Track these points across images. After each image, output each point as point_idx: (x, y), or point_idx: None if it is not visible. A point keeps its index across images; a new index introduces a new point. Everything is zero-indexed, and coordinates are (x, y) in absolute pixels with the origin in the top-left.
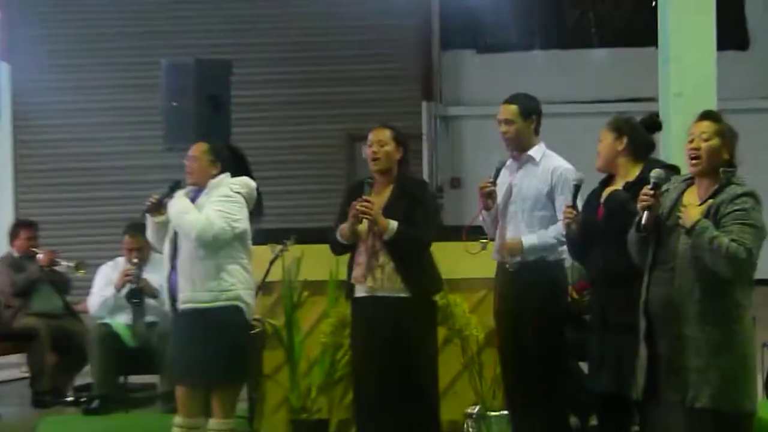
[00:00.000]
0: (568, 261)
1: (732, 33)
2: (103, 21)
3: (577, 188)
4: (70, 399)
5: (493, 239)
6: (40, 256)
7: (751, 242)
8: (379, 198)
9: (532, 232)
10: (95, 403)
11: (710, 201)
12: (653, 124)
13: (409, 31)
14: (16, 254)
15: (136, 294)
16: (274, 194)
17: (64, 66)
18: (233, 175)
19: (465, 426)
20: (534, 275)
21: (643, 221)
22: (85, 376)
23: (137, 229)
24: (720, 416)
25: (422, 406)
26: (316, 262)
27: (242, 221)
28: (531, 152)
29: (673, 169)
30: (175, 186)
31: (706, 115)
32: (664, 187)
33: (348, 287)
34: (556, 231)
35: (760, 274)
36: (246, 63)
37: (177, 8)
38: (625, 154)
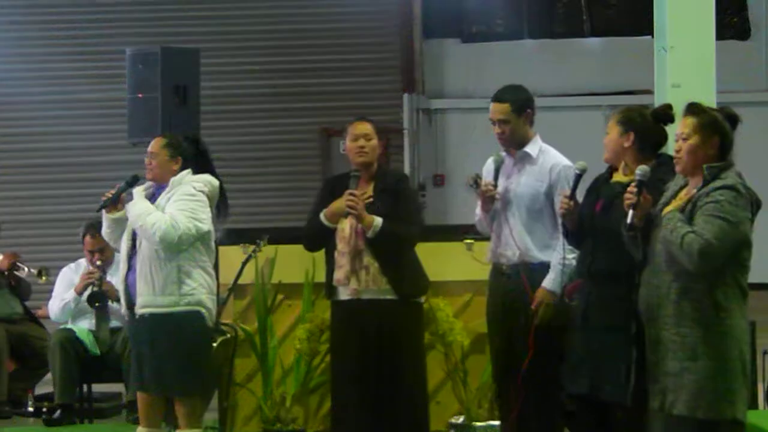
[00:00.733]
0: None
1: (732, 21)
2: (66, 8)
3: (578, 177)
4: (30, 409)
5: (488, 238)
6: (0, 258)
7: (712, 234)
8: (360, 196)
9: (530, 233)
10: (57, 414)
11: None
12: (665, 116)
13: (389, 18)
14: None
15: (99, 297)
16: (246, 192)
17: (22, 56)
18: (195, 171)
19: None
20: (529, 278)
21: (629, 220)
22: (46, 385)
23: (99, 229)
24: (697, 424)
25: (411, 415)
26: (291, 264)
27: (206, 222)
28: (527, 149)
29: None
30: (133, 181)
31: (688, 109)
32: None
33: (328, 289)
34: (559, 257)
35: (760, 278)
36: (215, 52)
37: None
38: (631, 151)
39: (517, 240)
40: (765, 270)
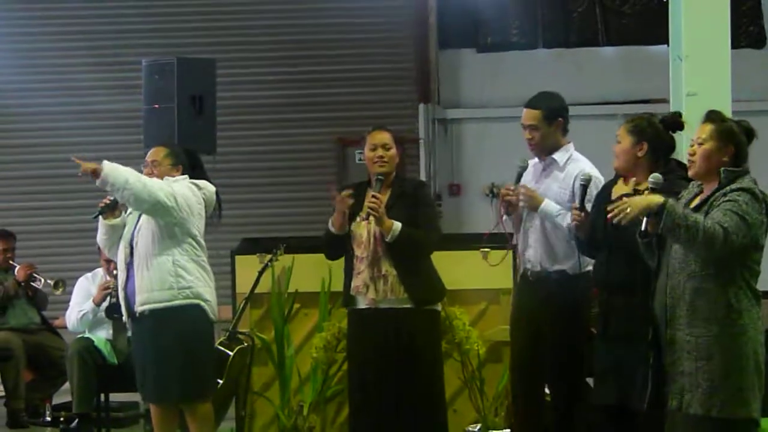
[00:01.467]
0: None
1: (747, 30)
2: (82, 19)
3: (584, 188)
4: (48, 419)
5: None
6: (17, 268)
7: (730, 224)
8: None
9: (551, 240)
10: (74, 423)
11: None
12: (675, 123)
13: (405, 28)
14: None
15: (118, 309)
16: (261, 202)
17: (39, 67)
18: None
19: None
20: (556, 286)
21: (643, 227)
22: (63, 394)
23: None
24: (712, 423)
25: (429, 423)
26: (308, 273)
27: (179, 197)
28: (555, 155)
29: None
30: None
31: (707, 117)
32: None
33: (346, 298)
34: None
35: None
36: (231, 63)
37: (159, 4)
38: (645, 160)
39: (539, 247)
40: None
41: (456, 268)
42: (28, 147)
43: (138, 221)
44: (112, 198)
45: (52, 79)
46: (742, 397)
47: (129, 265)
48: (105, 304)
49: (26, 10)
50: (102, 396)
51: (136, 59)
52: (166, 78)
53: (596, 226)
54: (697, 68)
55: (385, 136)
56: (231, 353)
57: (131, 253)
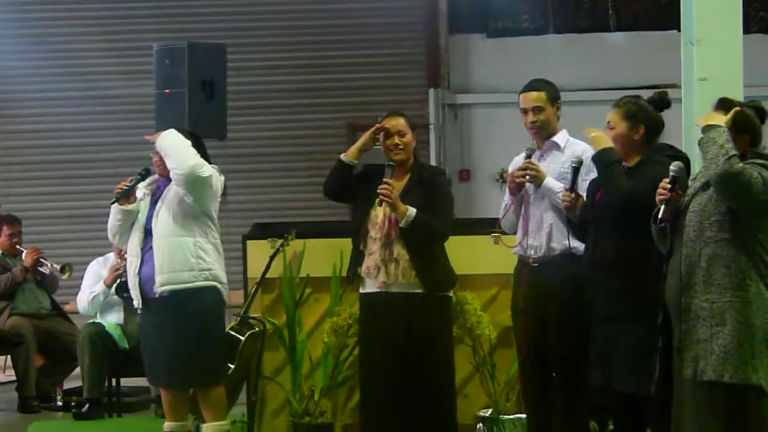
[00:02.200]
0: None
1: (758, 15)
2: (93, 4)
3: (575, 170)
4: (59, 404)
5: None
6: (24, 253)
7: (759, 173)
8: (395, 186)
9: (554, 221)
10: (85, 408)
11: None
12: (663, 102)
13: (415, 13)
14: None
15: (127, 287)
16: (272, 187)
17: (50, 52)
18: None
19: (477, 430)
20: (558, 270)
21: (660, 214)
22: (74, 379)
23: None
24: (725, 388)
25: (439, 408)
26: (319, 258)
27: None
28: (556, 138)
29: (678, 154)
30: (146, 173)
31: (719, 104)
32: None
33: (350, 276)
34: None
35: None
36: (242, 48)
37: None
38: (640, 142)
39: (543, 229)
40: None
41: (467, 253)
42: (36, 132)
43: (155, 206)
44: (128, 184)
45: (64, 65)
46: (752, 364)
47: (143, 251)
48: (116, 284)
49: None
50: (113, 381)
51: (147, 44)
52: (177, 63)
53: (585, 206)
54: (709, 53)
55: (400, 123)
56: (242, 338)
57: (145, 237)
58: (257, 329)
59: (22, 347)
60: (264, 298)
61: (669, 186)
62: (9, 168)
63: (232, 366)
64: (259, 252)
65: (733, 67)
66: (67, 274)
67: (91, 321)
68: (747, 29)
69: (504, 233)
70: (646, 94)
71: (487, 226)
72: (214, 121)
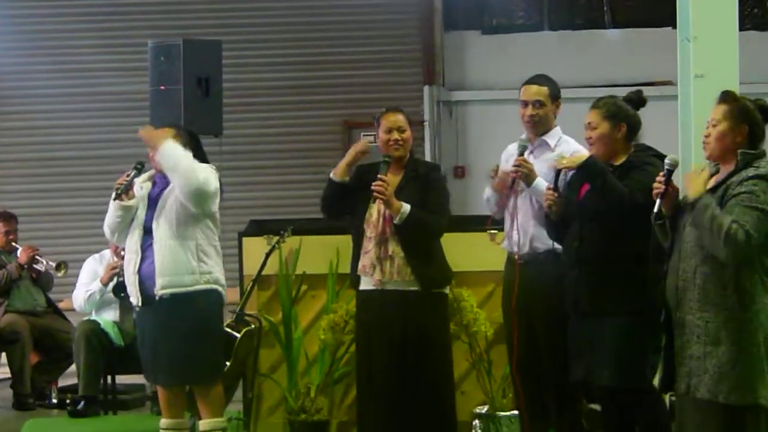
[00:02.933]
0: None
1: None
2: (87, 0)
3: (558, 171)
4: (54, 401)
5: (498, 227)
6: (19, 251)
7: (751, 225)
8: (391, 182)
9: (540, 220)
10: (81, 405)
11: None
12: (639, 100)
13: (410, 10)
14: None
15: (125, 288)
16: (268, 184)
17: (45, 48)
18: None
19: (473, 427)
20: (544, 268)
21: (656, 209)
22: (69, 377)
23: None
24: (721, 408)
25: (437, 406)
26: (315, 255)
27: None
28: (546, 137)
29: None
30: (142, 167)
31: (721, 97)
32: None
33: (353, 278)
34: None
35: None
36: (237, 45)
37: None
38: (622, 141)
39: (529, 227)
40: None
41: (463, 250)
42: (31, 129)
43: (155, 204)
44: (127, 180)
45: (58, 61)
46: (750, 384)
47: (143, 248)
48: (112, 284)
49: None
50: (108, 378)
51: (142, 41)
52: (172, 60)
53: (568, 202)
54: (706, 49)
55: (399, 119)
56: (238, 335)
57: (145, 233)
58: (253, 326)
59: (18, 344)
60: (260, 295)
61: (663, 179)
62: (3, 165)
63: (229, 363)
64: (255, 249)
65: (729, 64)
66: (62, 271)
67: (87, 318)
68: (741, 26)
69: (500, 230)
70: (644, 91)
71: (483, 223)
72: (209, 118)
